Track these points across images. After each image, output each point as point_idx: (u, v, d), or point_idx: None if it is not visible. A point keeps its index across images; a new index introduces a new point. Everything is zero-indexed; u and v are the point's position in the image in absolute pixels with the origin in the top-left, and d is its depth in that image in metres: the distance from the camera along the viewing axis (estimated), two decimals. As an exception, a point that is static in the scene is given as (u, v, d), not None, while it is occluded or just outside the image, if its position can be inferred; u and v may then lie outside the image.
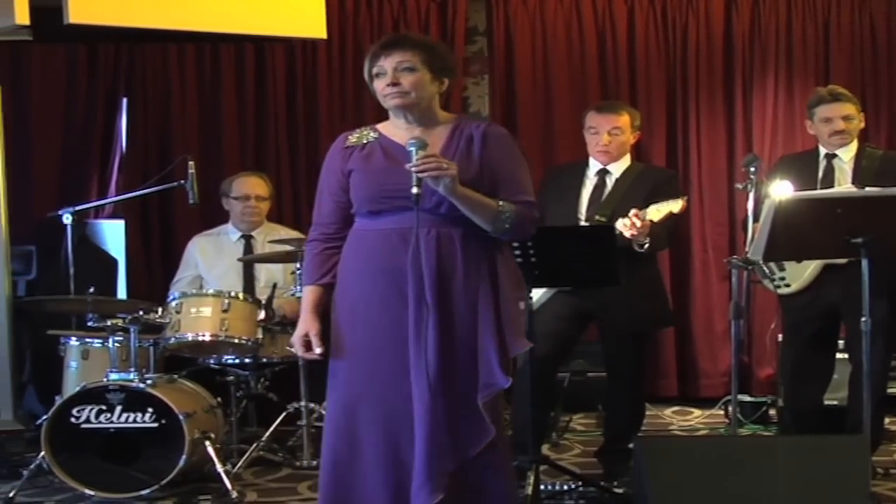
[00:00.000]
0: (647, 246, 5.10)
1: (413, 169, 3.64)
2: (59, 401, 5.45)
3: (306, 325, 3.90)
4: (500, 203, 3.78)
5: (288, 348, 5.86)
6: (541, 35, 7.59)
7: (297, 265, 5.79)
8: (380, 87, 3.83)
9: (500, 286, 3.80)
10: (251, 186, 6.52)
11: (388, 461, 3.75)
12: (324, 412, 5.71)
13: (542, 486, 4.94)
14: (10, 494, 5.33)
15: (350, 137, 3.93)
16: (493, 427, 3.75)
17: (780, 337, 6.40)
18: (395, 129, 3.89)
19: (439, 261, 3.74)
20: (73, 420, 5.32)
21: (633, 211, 5.02)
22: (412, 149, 3.67)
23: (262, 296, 5.98)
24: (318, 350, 3.87)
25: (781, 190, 5.07)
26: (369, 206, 3.82)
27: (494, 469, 3.83)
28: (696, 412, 7.17)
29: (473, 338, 3.76)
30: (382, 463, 3.75)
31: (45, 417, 5.42)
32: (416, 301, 3.72)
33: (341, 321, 3.85)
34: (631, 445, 5.19)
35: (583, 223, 5.36)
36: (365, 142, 3.89)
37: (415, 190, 3.64)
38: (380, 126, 3.94)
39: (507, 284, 3.83)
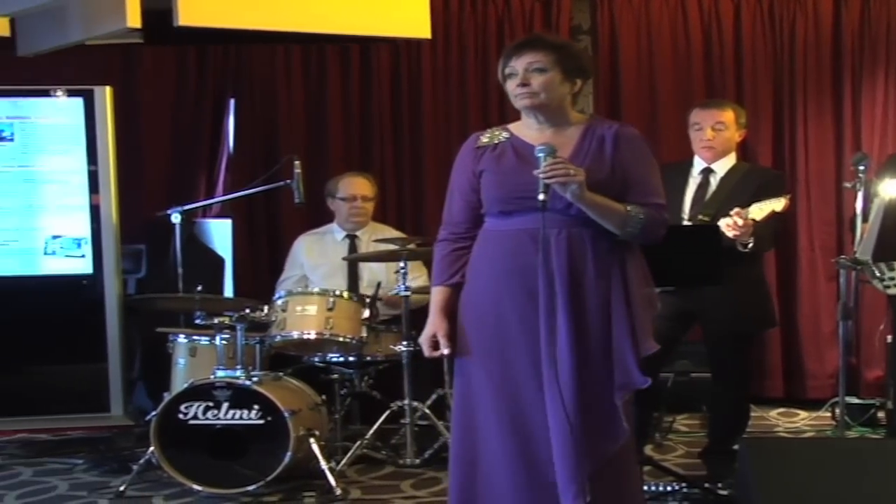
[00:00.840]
0: (751, 246, 5.04)
1: (540, 175, 3.63)
2: (167, 397, 5.54)
3: (434, 325, 3.90)
4: (629, 207, 3.76)
5: (392, 347, 5.91)
6: (646, 33, 7.53)
7: (401, 264, 5.82)
8: (510, 87, 3.83)
9: (630, 286, 3.79)
10: (357, 187, 6.57)
11: (517, 459, 3.73)
12: (427, 411, 5.79)
13: (645, 487, 4.91)
14: (121, 488, 5.43)
15: (482, 137, 3.92)
16: (627, 427, 3.74)
17: (888, 338, 6.28)
18: (527, 130, 3.88)
19: (570, 261, 3.72)
20: (180, 416, 5.41)
21: (735, 210, 4.97)
22: (540, 155, 3.66)
23: (366, 294, 6.02)
24: (445, 351, 3.87)
25: (891, 188, 4.98)
26: (500, 207, 3.81)
27: (629, 471, 3.84)
28: (803, 414, 7.07)
29: (605, 338, 3.74)
30: (512, 461, 3.74)
31: (153, 413, 5.50)
32: (546, 301, 3.71)
33: (470, 320, 3.84)
34: (735, 447, 5.13)
35: (686, 222, 5.31)
36: (496, 142, 3.87)
37: (541, 196, 3.63)
38: (511, 126, 3.93)
39: (637, 284, 3.82)
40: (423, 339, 3.93)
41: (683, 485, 5.11)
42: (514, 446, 3.74)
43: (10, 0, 6.50)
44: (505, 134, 3.90)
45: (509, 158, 3.83)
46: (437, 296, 3.92)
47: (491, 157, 3.86)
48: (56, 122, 6.50)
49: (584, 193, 3.66)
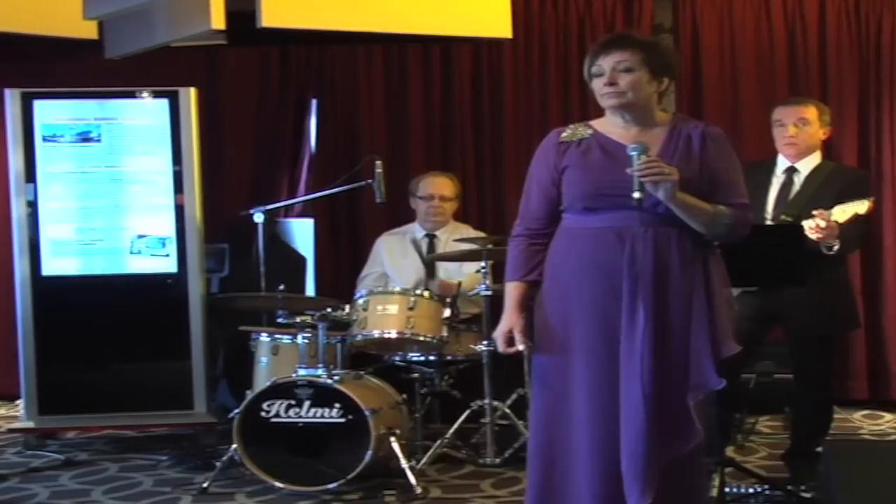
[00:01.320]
0: (836, 248, 4.98)
1: (635, 174, 3.63)
2: (249, 395, 5.59)
3: (510, 320, 3.89)
4: (717, 207, 3.74)
5: (472, 347, 5.91)
6: (728, 31, 7.47)
7: (482, 264, 5.83)
8: (598, 86, 3.81)
9: (712, 287, 3.77)
10: (437, 186, 6.59)
11: (598, 457, 3.73)
12: (507, 411, 5.79)
13: (727, 489, 4.86)
14: (204, 485, 5.49)
15: (563, 133, 3.89)
16: (700, 428, 3.72)
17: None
18: (612, 127, 3.86)
19: (656, 260, 3.71)
20: (263, 414, 5.46)
21: (817, 211, 4.90)
22: (633, 153, 3.64)
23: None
24: (521, 347, 3.87)
25: None
26: (585, 203, 3.79)
27: (697, 471, 3.82)
28: (888, 416, 6.97)
29: (685, 337, 3.72)
30: (592, 459, 3.73)
31: (236, 411, 5.55)
32: (630, 300, 3.69)
33: (550, 317, 3.83)
34: (819, 449, 5.08)
35: (769, 222, 5.26)
36: (580, 138, 3.85)
37: (637, 195, 3.61)
38: (594, 123, 3.91)
39: (719, 285, 3.80)
40: (499, 335, 3.92)
41: (766, 487, 5.06)
42: (595, 443, 3.73)
43: (99, 4, 6.59)
44: (588, 130, 3.87)
45: (596, 155, 3.81)
46: (513, 291, 3.91)
47: (576, 152, 3.83)
48: (142, 124, 6.58)
49: (676, 193, 3.65)
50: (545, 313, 3.84)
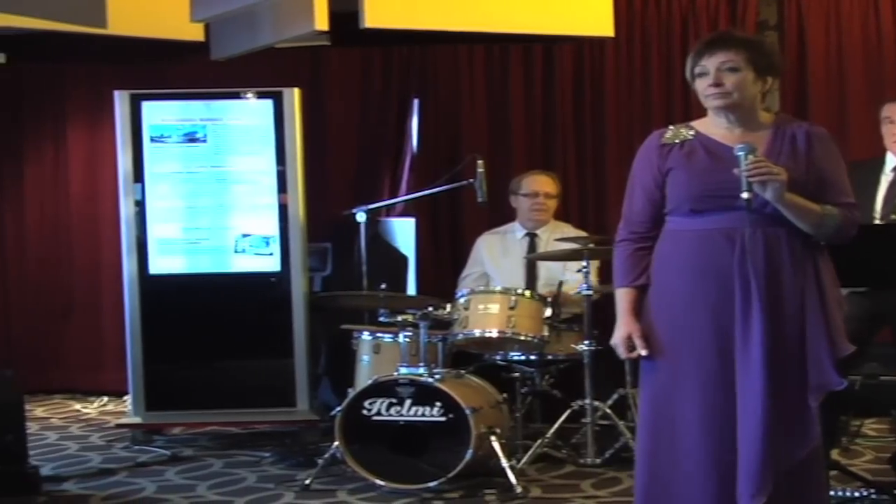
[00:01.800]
0: None
1: (743, 174, 3.59)
2: (351, 393, 5.63)
3: (627, 326, 3.84)
4: (825, 207, 3.69)
5: (573, 346, 5.89)
6: (835, 27, 7.35)
7: (583, 263, 5.80)
8: (702, 87, 3.77)
9: (823, 287, 3.72)
10: (540, 184, 6.59)
11: (709, 461, 3.69)
12: (608, 411, 5.76)
13: (832, 492, 4.79)
14: (307, 482, 5.54)
15: (665, 134, 3.85)
16: (819, 430, 3.67)
17: None
18: (715, 128, 3.81)
19: (768, 261, 3.66)
20: (364, 412, 5.49)
21: None
22: (741, 153, 3.60)
23: (542, 293, 6.02)
24: (643, 352, 3.80)
25: None
26: (691, 205, 3.75)
27: (816, 474, 3.77)
28: None
29: (800, 339, 3.67)
30: (703, 463, 3.69)
31: (338, 409, 5.59)
32: (743, 301, 3.65)
33: (658, 320, 3.79)
34: (927, 453, 4.99)
35: (877, 222, 5.17)
36: (682, 139, 3.82)
37: (745, 195, 3.57)
38: (695, 124, 3.87)
39: (829, 285, 3.75)
40: (618, 341, 3.87)
41: (871, 491, 4.98)
42: (708, 447, 3.69)
43: (206, 6, 6.68)
44: (690, 132, 3.83)
45: (701, 157, 3.77)
46: (625, 297, 3.87)
47: (679, 154, 3.80)
48: (246, 124, 6.65)
49: (784, 193, 3.60)
50: (651, 317, 3.81)
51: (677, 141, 3.82)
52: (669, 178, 3.80)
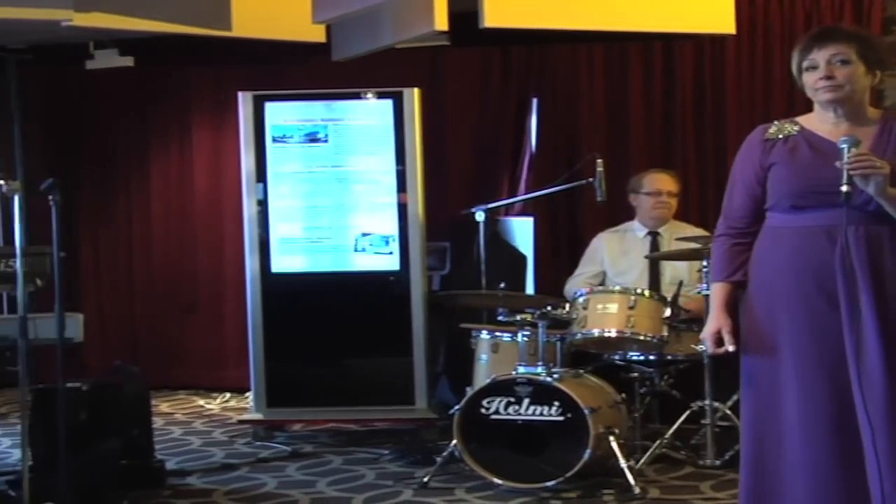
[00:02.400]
0: None
1: (845, 167, 3.54)
2: (469, 392, 5.65)
3: (718, 321, 3.83)
4: None
5: (693, 346, 5.83)
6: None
7: (704, 263, 5.75)
8: (811, 80, 3.74)
9: None
10: (663, 182, 6.54)
11: (811, 461, 3.65)
12: (728, 412, 5.69)
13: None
14: (425, 479, 5.58)
15: (769, 130, 3.83)
16: None
17: None
18: (820, 124, 3.78)
19: (870, 258, 3.61)
20: (482, 411, 5.50)
21: None
22: (844, 146, 3.57)
23: (667, 293, 5.98)
24: (731, 347, 3.80)
25: None
26: (793, 201, 3.71)
27: None
28: None
29: None
30: (807, 464, 3.66)
31: (456, 407, 5.61)
32: (848, 299, 3.61)
33: (758, 319, 3.76)
34: None
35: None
36: (786, 134, 3.78)
37: (844, 188, 3.54)
38: (801, 119, 3.84)
39: None
40: (707, 336, 3.86)
41: None
42: (809, 448, 3.65)
43: (327, 8, 6.75)
44: (795, 127, 3.80)
45: (804, 152, 3.73)
46: (719, 292, 3.86)
47: (783, 149, 3.76)
48: (367, 124, 6.71)
49: (886, 187, 3.55)
50: (752, 314, 3.78)
51: (781, 136, 3.80)
52: (771, 173, 3.77)
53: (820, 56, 3.69)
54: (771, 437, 3.73)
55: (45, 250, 4.96)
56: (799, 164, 3.72)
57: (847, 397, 3.59)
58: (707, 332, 3.87)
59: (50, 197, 4.76)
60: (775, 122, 3.85)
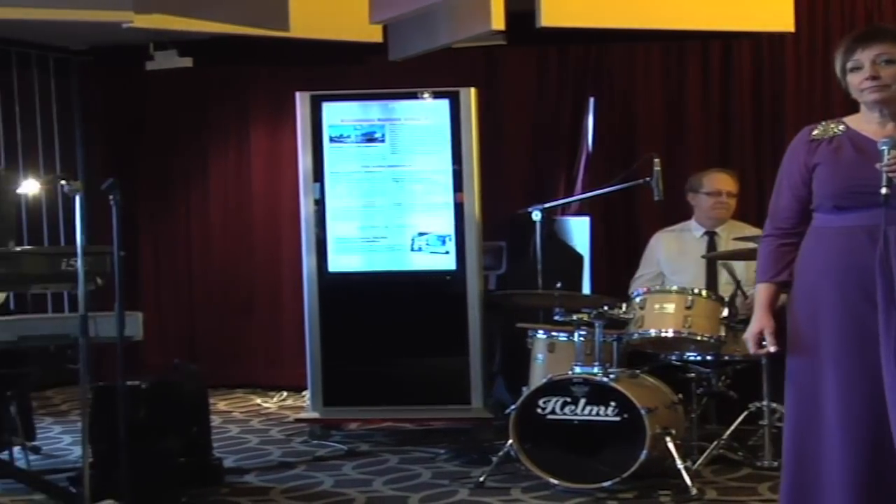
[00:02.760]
0: None
1: (884, 169, 3.53)
2: (525, 392, 5.65)
3: (760, 322, 3.83)
4: None
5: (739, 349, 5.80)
6: None
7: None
8: (856, 81, 3.72)
9: None
10: (723, 182, 6.50)
11: (853, 463, 3.63)
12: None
13: None
14: (481, 479, 5.58)
15: (815, 130, 3.82)
16: None
17: None
18: (866, 124, 3.76)
19: None
20: (538, 411, 5.50)
21: None
22: (884, 148, 3.56)
23: (724, 293, 5.94)
24: (772, 348, 3.81)
25: None
26: (835, 202, 3.70)
27: None
28: None
29: None
30: (844, 465, 3.64)
31: (513, 407, 5.60)
32: (885, 302, 3.59)
33: (801, 320, 3.76)
34: None
35: None
36: (831, 135, 3.78)
37: (883, 190, 3.53)
38: (847, 119, 3.83)
39: None
40: (749, 336, 3.87)
41: None
42: (848, 450, 3.63)
43: (384, 8, 6.78)
44: (840, 127, 3.79)
45: (847, 152, 3.72)
46: (763, 292, 3.86)
47: (827, 150, 3.75)
48: (423, 124, 6.72)
49: None
50: (794, 315, 3.77)
51: (826, 136, 3.79)
52: (816, 173, 3.76)
53: (864, 56, 3.68)
54: (811, 435, 3.72)
55: (106, 249, 5.00)
56: (841, 165, 3.71)
57: (888, 396, 3.57)
58: (750, 332, 3.88)
59: (110, 197, 4.82)
60: (822, 123, 3.85)
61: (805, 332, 3.73)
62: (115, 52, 8.65)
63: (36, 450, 6.43)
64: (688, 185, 6.59)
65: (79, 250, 4.78)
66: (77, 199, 4.80)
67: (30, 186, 7.04)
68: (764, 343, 3.83)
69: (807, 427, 3.73)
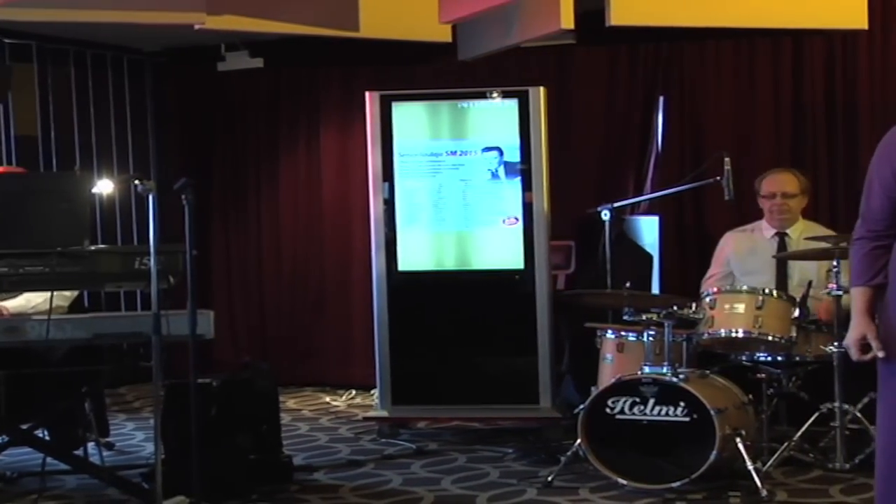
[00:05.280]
0: None
1: None
2: (594, 391, 5.64)
3: (862, 327, 3.73)
4: None
5: (822, 347, 5.74)
6: None
7: (833, 263, 5.66)
8: None
9: None
10: (779, 183, 6.43)
11: None
12: (858, 414, 5.58)
13: None
14: (549, 478, 5.58)
15: None
16: None
17: None
18: None
19: None
20: (607, 410, 5.48)
21: None
22: None
23: (795, 294, 5.89)
24: (880, 354, 3.68)
25: None
26: None
27: None
28: None
29: None
30: None
31: (581, 407, 5.61)
32: None
33: None
34: None
35: None
36: None
37: None
38: None
39: None
40: (851, 343, 3.77)
41: None
42: None
43: (454, 7, 6.78)
44: None
45: None
46: (860, 297, 3.76)
47: None
48: (494, 124, 6.73)
49: None
50: (890, 319, 3.68)
51: None
52: None
53: None
54: None
55: (178, 248, 5.05)
56: None
57: None
58: (851, 338, 3.77)
59: (183, 196, 4.88)
60: None
61: None
62: (187, 54, 8.76)
63: (109, 446, 6.53)
64: (755, 186, 6.54)
65: (152, 249, 4.83)
66: (150, 198, 4.85)
67: (104, 186, 7.16)
68: (869, 349, 3.72)
69: None
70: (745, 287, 5.94)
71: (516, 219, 6.67)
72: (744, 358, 5.98)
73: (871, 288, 3.75)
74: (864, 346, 3.74)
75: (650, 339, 5.66)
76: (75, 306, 6.05)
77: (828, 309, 5.83)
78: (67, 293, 5.92)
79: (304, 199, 8.73)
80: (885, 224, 3.74)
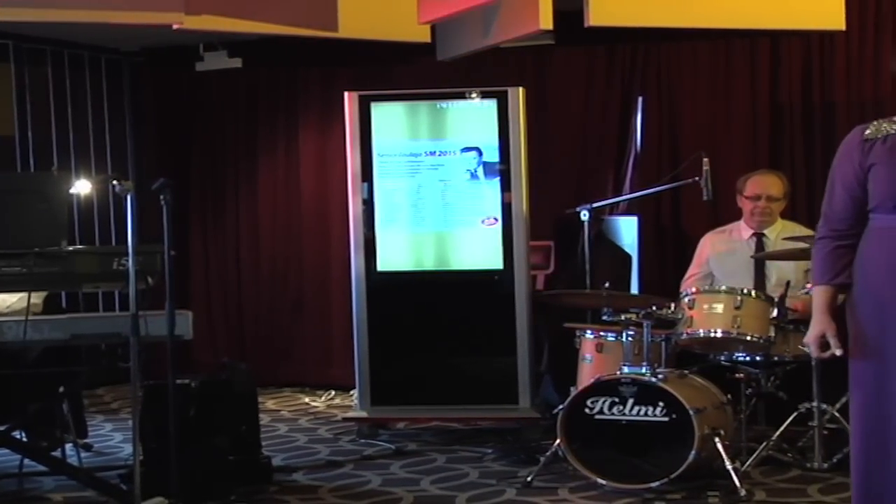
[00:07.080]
0: None
1: None
2: (574, 391, 5.65)
3: (821, 325, 3.79)
4: None
5: (801, 347, 5.76)
6: None
7: (811, 263, 5.67)
8: None
9: None
10: (765, 186, 6.44)
11: None
12: (836, 414, 5.61)
13: None
14: (528, 479, 5.58)
15: (867, 130, 3.77)
16: None
17: None
18: None
19: None
20: (587, 411, 5.49)
21: None
22: None
23: (773, 294, 5.91)
24: (838, 352, 3.76)
25: None
26: (894, 202, 3.66)
27: None
28: None
29: None
30: None
31: (560, 407, 5.62)
32: None
33: (864, 322, 3.72)
34: None
35: None
36: (885, 134, 3.73)
37: None
38: None
39: None
40: (811, 340, 3.83)
41: None
42: None
43: (432, 8, 6.78)
44: (893, 126, 3.74)
45: None
46: (821, 296, 3.82)
47: (882, 149, 3.71)
48: (472, 124, 6.73)
49: None
50: (858, 318, 3.72)
51: (880, 136, 3.74)
52: (871, 174, 3.72)
53: None
54: (879, 442, 3.68)
55: (157, 249, 5.05)
56: None
57: None
58: (811, 336, 3.84)
59: (161, 196, 4.87)
60: (873, 123, 3.80)
61: (870, 335, 3.70)
62: (165, 54, 8.73)
63: (87, 447, 6.50)
64: (736, 186, 6.56)
65: (130, 250, 4.82)
66: (128, 198, 4.84)
67: (82, 186, 7.12)
68: (828, 347, 3.79)
69: (873, 433, 3.69)
70: (723, 287, 5.96)
71: (495, 219, 6.68)
72: (722, 358, 5.99)
73: (833, 287, 3.81)
74: (824, 344, 3.80)
75: (629, 339, 5.67)
76: (51, 305, 6.02)
77: (805, 307, 5.85)
78: (40, 290, 5.90)
79: (282, 200, 8.71)
80: (847, 224, 3.79)
